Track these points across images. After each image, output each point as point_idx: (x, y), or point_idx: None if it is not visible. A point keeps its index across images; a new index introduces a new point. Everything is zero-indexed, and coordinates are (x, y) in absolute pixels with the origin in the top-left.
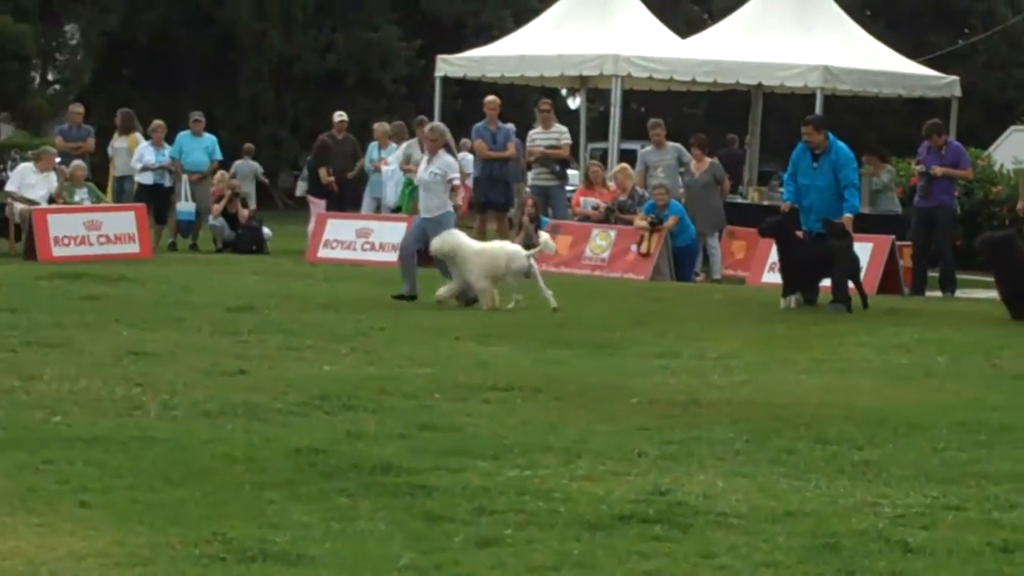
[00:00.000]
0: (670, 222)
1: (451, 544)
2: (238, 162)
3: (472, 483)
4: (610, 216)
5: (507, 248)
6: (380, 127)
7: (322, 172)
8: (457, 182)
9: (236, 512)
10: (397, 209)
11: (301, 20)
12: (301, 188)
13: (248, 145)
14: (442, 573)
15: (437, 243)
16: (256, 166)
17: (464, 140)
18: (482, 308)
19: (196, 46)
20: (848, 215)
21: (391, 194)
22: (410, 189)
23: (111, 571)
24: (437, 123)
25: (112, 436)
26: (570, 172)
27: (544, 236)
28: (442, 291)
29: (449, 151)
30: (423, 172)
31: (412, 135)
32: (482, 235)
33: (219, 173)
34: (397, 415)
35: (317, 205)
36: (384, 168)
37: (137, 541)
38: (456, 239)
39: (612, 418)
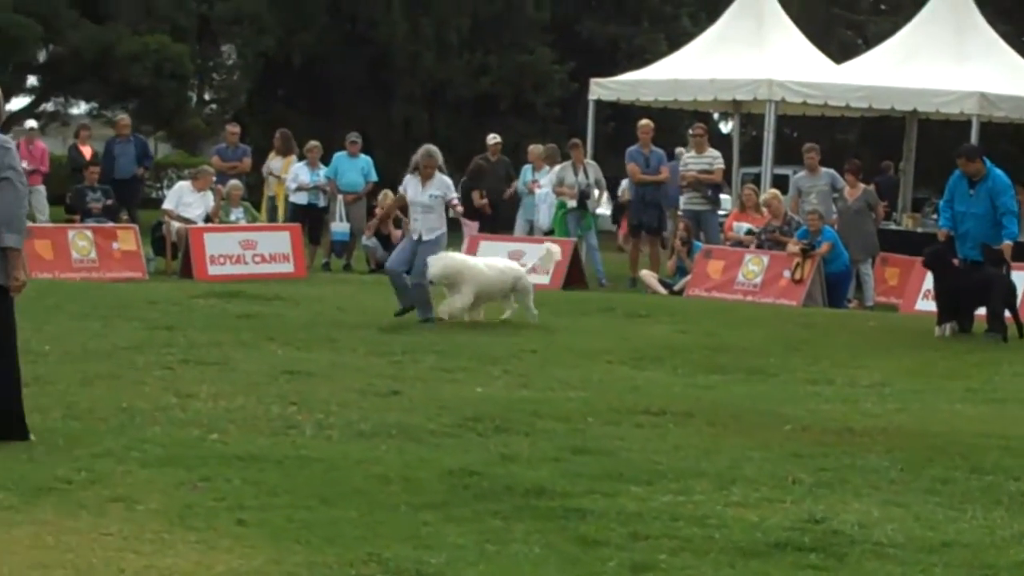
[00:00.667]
0: (823, 248)
1: (605, 569)
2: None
3: (626, 508)
4: (762, 241)
5: (514, 267)
6: (534, 149)
7: (475, 195)
8: (456, 201)
9: (391, 533)
10: (550, 232)
11: (455, 43)
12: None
13: None
14: None
15: (437, 270)
16: None
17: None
18: (447, 318)
19: (351, 67)
20: (1007, 243)
21: (544, 216)
22: (563, 212)
23: None
24: (431, 147)
25: (268, 455)
26: (722, 196)
27: (548, 246)
28: (449, 308)
29: (442, 172)
30: (422, 195)
31: (565, 157)
32: (635, 259)
33: (384, 192)
34: (550, 438)
35: (470, 227)
36: (537, 190)
37: (294, 560)
38: (457, 261)
39: (765, 445)
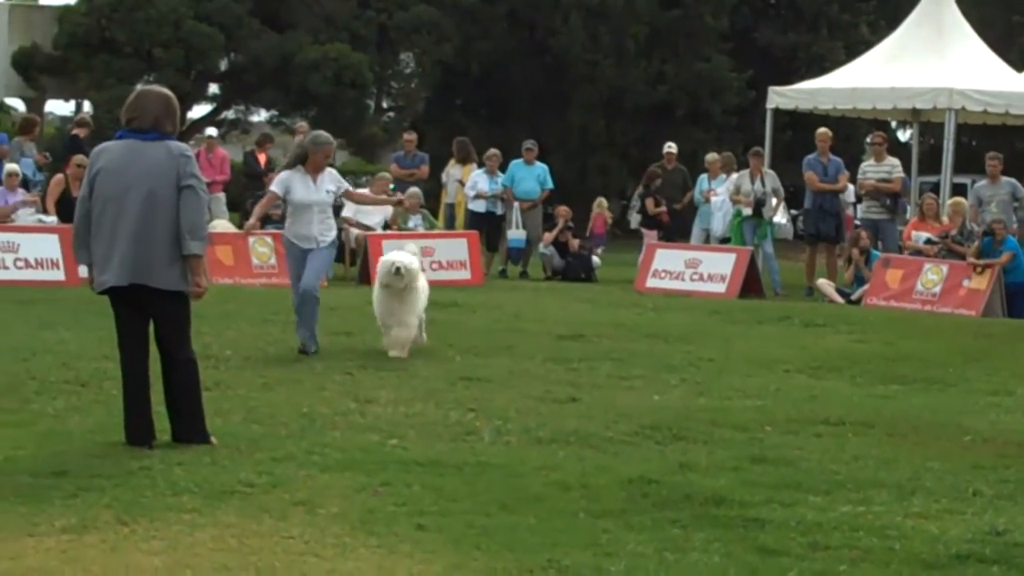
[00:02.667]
0: (1004, 258)
1: None
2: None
3: (805, 518)
4: (941, 250)
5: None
6: (712, 157)
7: (649, 203)
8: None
9: (570, 540)
10: (726, 239)
11: (633, 51)
12: (635, 220)
13: None
14: None
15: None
16: None
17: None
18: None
19: (528, 75)
20: None
21: (719, 224)
22: (739, 220)
23: None
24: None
25: (447, 460)
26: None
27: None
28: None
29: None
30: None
31: (743, 166)
32: (811, 267)
33: (599, 200)
34: (728, 447)
35: (649, 236)
36: (713, 199)
37: (474, 565)
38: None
39: (946, 456)
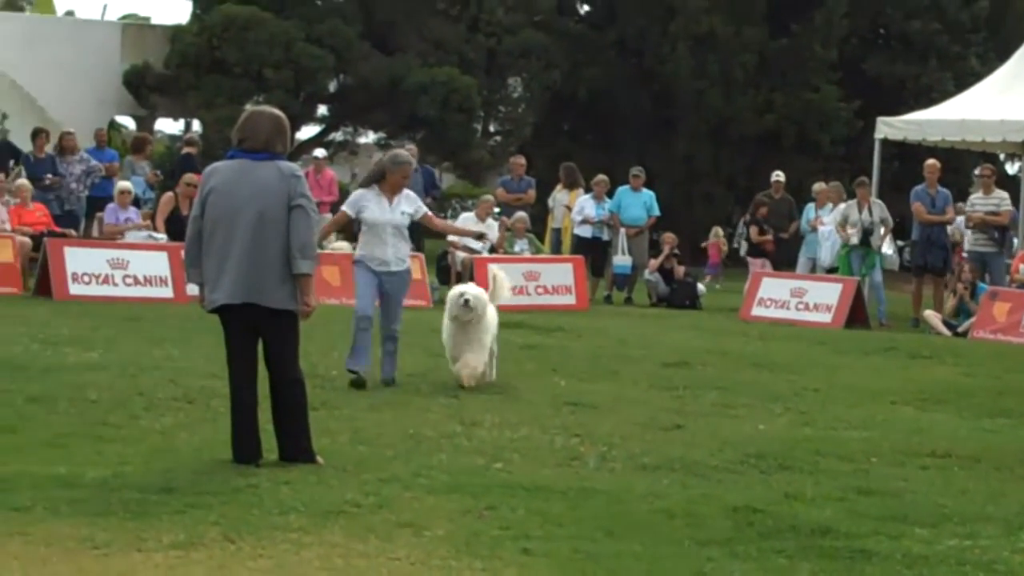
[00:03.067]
0: None
1: None
2: None
3: (911, 550)
4: None
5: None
6: (819, 187)
7: (753, 231)
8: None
9: (675, 568)
10: (833, 270)
11: (741, 80)
12: (744, 248)
13: None
14: None
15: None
16: None
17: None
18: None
19: (635, 102)
20: None
21: (827, 254)
22: (847, 249)
23: None
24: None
25: (552, 485)
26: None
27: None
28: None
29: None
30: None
31: (850, 196)
32: (918, 298)
33: (715, 229)
34: (834, 477)
35: (755, 264)
36: (821, 228)
37: None
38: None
39: None
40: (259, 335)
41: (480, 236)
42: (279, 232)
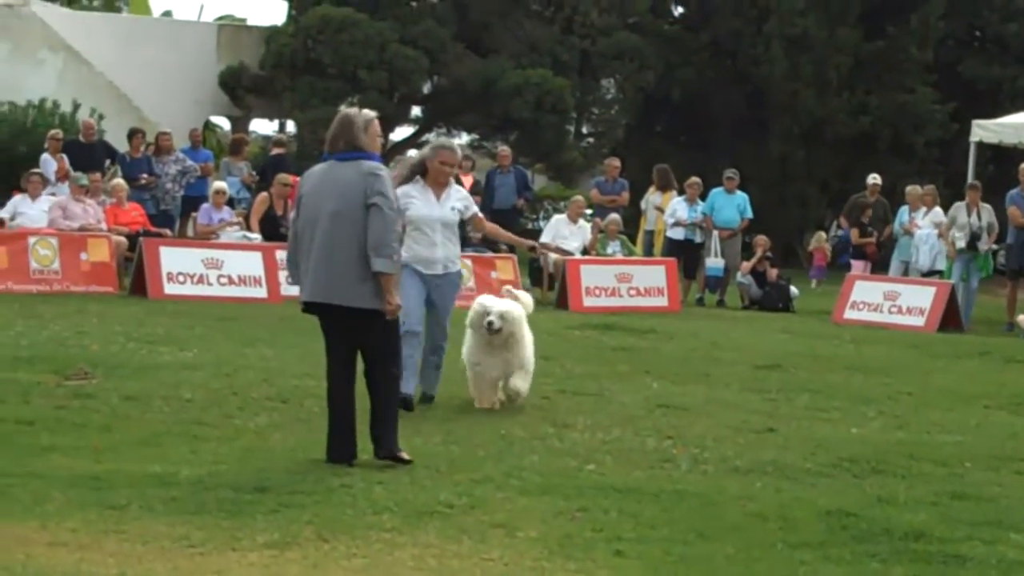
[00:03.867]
0: None
1: None
2: None
3: (1007, 556)
4: None
5: None
6: (913, 190)
7: (854, 233)
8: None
9: (768, 570)
10: (931, 273)
11: (835, 82)
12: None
13: None
14: None
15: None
16: None
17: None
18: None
19: (729, 104)
20: None
21: (925, 257)
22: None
23: None
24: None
25: (644, 487)
26: None
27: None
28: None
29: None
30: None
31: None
32: (1012, 303)
33: (818, 234)
34: (927, 482)
35: (856, 267)
36: (917, 231)
37: None
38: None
39: None
40: (354, 336)
41: (532, 249)
42: (356, 231)
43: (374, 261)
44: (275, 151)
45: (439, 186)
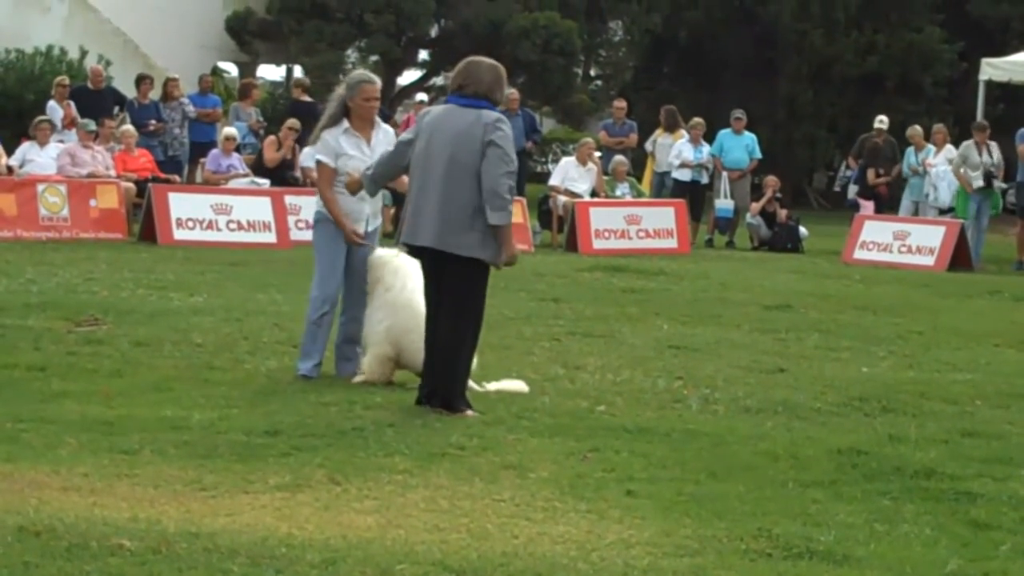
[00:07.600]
0: None
1: (997, 553)
2: None
3: (1017, 492)
4: None
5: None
6: (913, 131)
7: (870, 174)
8: None
9: (780, 509)
10: (950, 210)
11: (843, 21)
12: (852, 191)
13: None
14: None
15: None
16: None
17: None
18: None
19: (736, 45)
20: None
21: (945, 194)
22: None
23: (660, 560)
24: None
25: (655, 427)
26: None
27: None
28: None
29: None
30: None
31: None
32: (1021, 241)
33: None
34: (937, 420)
35: (866, 207)
36: (932, 170)
37: (683, 532)
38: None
39: None
40: (446, 280)
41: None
42: (469, 178)
43: (491, 215)
44: (302, 97)
45: (366, 124)
